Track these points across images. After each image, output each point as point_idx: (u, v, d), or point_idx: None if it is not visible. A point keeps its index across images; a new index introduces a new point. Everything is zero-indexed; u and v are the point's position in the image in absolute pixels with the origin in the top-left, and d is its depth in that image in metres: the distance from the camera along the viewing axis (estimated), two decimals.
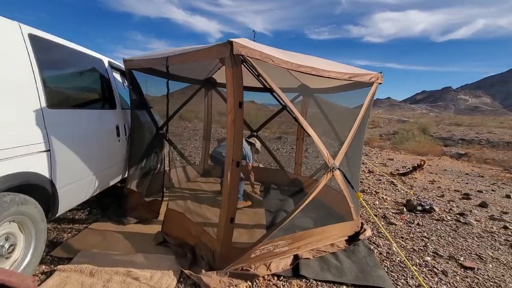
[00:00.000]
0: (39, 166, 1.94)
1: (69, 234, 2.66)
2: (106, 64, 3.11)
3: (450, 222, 3.81)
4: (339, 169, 2.50)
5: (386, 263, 2.66)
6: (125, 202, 3.17)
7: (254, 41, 4.03)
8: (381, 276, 2.39)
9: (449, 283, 2.42)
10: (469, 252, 3.02)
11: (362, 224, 3.24)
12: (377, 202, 4.47)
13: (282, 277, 2.29)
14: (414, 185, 5.85)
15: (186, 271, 2.13)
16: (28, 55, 1.92)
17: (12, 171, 1.72)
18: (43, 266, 2.13)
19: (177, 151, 4.90)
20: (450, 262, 2.77)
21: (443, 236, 3.36)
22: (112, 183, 3.09)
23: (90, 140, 2.55)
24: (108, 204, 3.40)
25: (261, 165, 6.17)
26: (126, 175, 3.37)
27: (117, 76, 3.42)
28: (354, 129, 2.68)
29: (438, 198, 4.98)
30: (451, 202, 4.72)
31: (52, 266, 2.14)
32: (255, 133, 4.92)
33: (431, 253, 2.93)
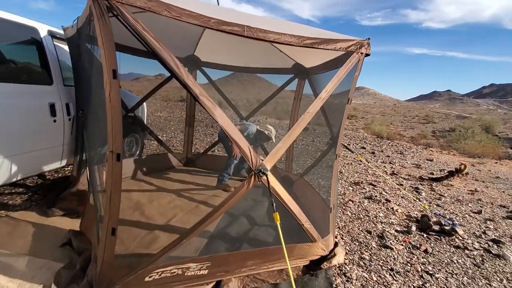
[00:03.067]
0: None
1: None
2: (43, 34, 2.72)
3: (475, 253, 2.78)
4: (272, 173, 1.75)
5: None
6: (58, 190, 2.83)
7: (217, 3, 3.34)
8: None
9: None
10: None
11: (335, 245, 2.44)
12: (381, 214, 3.54)
13: None
14: (446, 194, 4.66)
15: None
16: None
17: None
18: None
19: (153, 137, 4.51)
20: None
21: (456, 274, 2.40)
22: (43, 168, 2.75)
23: None
24: (53, 191, 3.11)
25: None
26: (70, 160, 3.02)
27: (66, 47, 3.03)
28: (303, 120, 1.88)
29: (472, 215, 3.82)
30: (488, 222, 3.56)
31: None
32: (245, 121, 4.29)
33: None
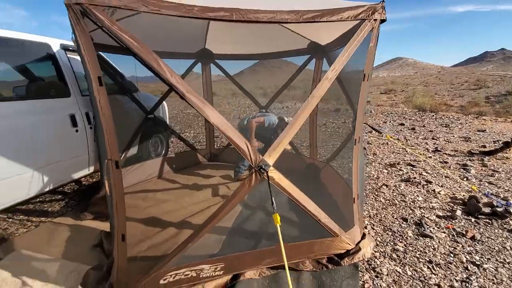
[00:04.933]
0: None
1: (24, 229, 2.62)
2: (56, 48, 2.84)
3: None
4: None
5: None
6: (90, 195, 3.00)
7: None
8: None
9: None
10: None
11: (363, 236, 2.23)
12: (419, 198, 3.19)
13: None
14: (501, 169, 4.08)
15: None
16: None
17: None
18: None
19: (175, 135, 4.58)
20: None
21: (509, 263, 2.06)
22: (73, 176, 2.93)
23: (19, 135, 2.34)
24: (87, 196, 3.32)
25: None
26: (98, 167, 3.18)
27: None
28: (308, 107, 1.67)
29: None
30: None
31: None
32: (264, 110, 4.16)
33: None
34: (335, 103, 8.28)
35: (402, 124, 8.54)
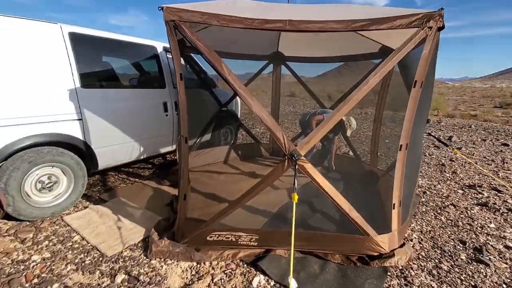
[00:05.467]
0: (73, 130, 2.67)
1: (124, 184, 3.50)
2: (159, 50, 3.64)
3: None
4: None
5: None
6: (170, 168, 3.73)
7: (287, 1, 3.41)
8: None
9: None
10: None
11: (402, 245, 2.19)
12: (491, 225, 2.80)
13: (241, 266, 2.04)
14: None
15: (150, 234, 2.33)
16: (66, 49, 2.63)
17: (48, 131, 2.49)
18: (87, 202, 2.99)
19: (243, 128, 5.07)
20: None
21: None
22: (160, 151, 3.71)
23: (128, 114, 3.17)
24: (168, 168, 4.11)
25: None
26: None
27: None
28: (344, 108, 1.78)
29: None
30: None
31: (90, 203, 2.96)
32: (327, 108, 4.27)
33: None
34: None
35: (506, 145, 7.10)
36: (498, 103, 25.52)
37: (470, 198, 3.53)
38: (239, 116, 5.18)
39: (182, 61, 3.80)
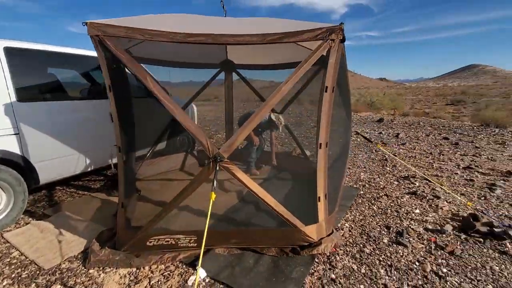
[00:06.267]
0: (10, 145, 2.62)
1: (71, 198, 3.44)
2: None
3: None
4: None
5: None
6: None
7: (225, 15, 3.62)
8: None
9: None
10: None
11: (331, 234, 2.43)
12: (416, 211, 3.16)
13: (179, 267, 2.13)
14: None
15: (91, 245, 2.34)
16: (1, 63, 2.58)
17: None
18: (30, 218, 2.91)
19: None
20: None
21: (478, 281, 2.04)
22: (110, 161, 3.68)
23: (71, 126, 3.14)
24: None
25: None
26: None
27: None
28: (260, 112, 1.99)
29: None
30: None
31: (33, 219, 2.89)
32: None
33: None
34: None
35: (446, 139, 7.88)
36: (449, 100, 27.78)
37: (403, 188, 3.92)
38: (196, 122, 5.26)
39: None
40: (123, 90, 2.40)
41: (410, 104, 26.68)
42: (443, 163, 5.31)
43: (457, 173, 4.60)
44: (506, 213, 3.10)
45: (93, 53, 3.51)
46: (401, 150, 6.33)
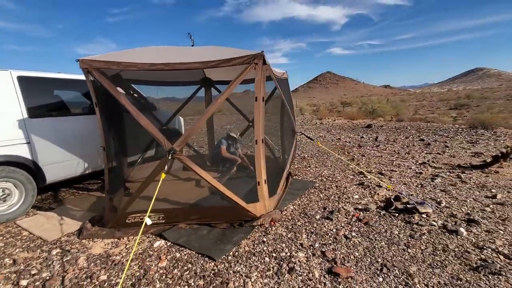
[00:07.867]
0: (22, 151, 3.39)
1: (73, 196, 4.18)
2: None
3: (425, 228, 2.82)
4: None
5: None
6: None
7: (192, 45, 4.41)
8: (222, 250, 2.52)
9: None
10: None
11: (269, 211, 3.08)
12: (355, 196, 3.77)
13: (150, 237, 2.81)
14: (471, 182, 4.24)
15: (84, 224, 3.05)
16: (15, 89, 3.39)
17: (2, 153, 3.20)
18: (38, 211, 3.65)
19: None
20: None
21: (375, 240, 2.64)
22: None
23: (72, 136, 3.92)
24: None
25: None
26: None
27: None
28: (204, 116, 2.73)
29: (481, 200, 3.53)
30: (493, 206, 3.28)
31: (39, 211, 3.63)
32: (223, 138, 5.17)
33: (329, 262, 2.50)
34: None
35: (422, 140, 8.43)
36: (453, 105, 28.00)
37: (355, 181, 4.53)
38: (183, 132, 6.02)
39: (121, 90, 4.65)
40: (109, 106, 3.15)
41: (413, 110, 27.06)
42: (404, 160, 5.89)
43: (411, 168, 5.18)
44: (433, 196, 3.68)
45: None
46: (372, 151, 6.92)
